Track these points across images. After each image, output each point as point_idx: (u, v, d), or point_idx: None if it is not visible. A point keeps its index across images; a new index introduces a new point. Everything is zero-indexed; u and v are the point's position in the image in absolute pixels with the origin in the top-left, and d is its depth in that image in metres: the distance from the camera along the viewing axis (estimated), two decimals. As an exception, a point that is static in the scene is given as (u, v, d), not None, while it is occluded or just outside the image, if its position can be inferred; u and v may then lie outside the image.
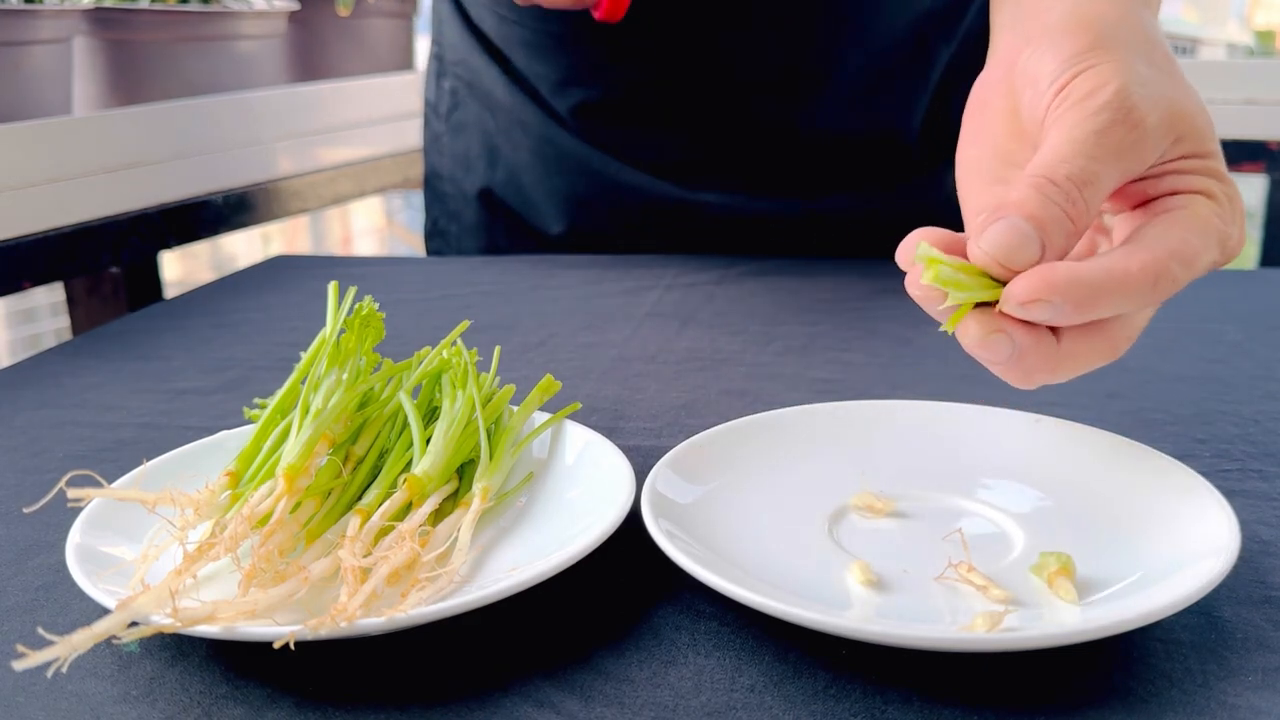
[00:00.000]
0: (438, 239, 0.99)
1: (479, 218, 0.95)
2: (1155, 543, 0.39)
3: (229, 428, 0.50)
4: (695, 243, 0.89)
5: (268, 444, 0.43)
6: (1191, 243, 0.37)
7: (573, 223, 0.91)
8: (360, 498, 0.43)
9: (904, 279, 0.41)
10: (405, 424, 0.46)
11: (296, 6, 1.32)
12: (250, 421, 0.54)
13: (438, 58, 0.96)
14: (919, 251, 0.38)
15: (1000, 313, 0.37)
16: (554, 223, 0.91)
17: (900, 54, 0.82)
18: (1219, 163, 0.40)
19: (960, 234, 0.40)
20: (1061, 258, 0.37)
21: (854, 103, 0.82)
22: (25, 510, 0.47)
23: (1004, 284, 0.37)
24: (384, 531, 0.39)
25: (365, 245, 2.68)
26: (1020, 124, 0.43)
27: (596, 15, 0.68)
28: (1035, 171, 0.38)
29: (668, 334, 0.71)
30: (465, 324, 0.53)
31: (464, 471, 0.45)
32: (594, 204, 0.89)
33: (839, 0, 0.78)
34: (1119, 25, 0.41)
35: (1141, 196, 0.40)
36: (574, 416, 0.51)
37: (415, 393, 0.49)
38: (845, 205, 0.87)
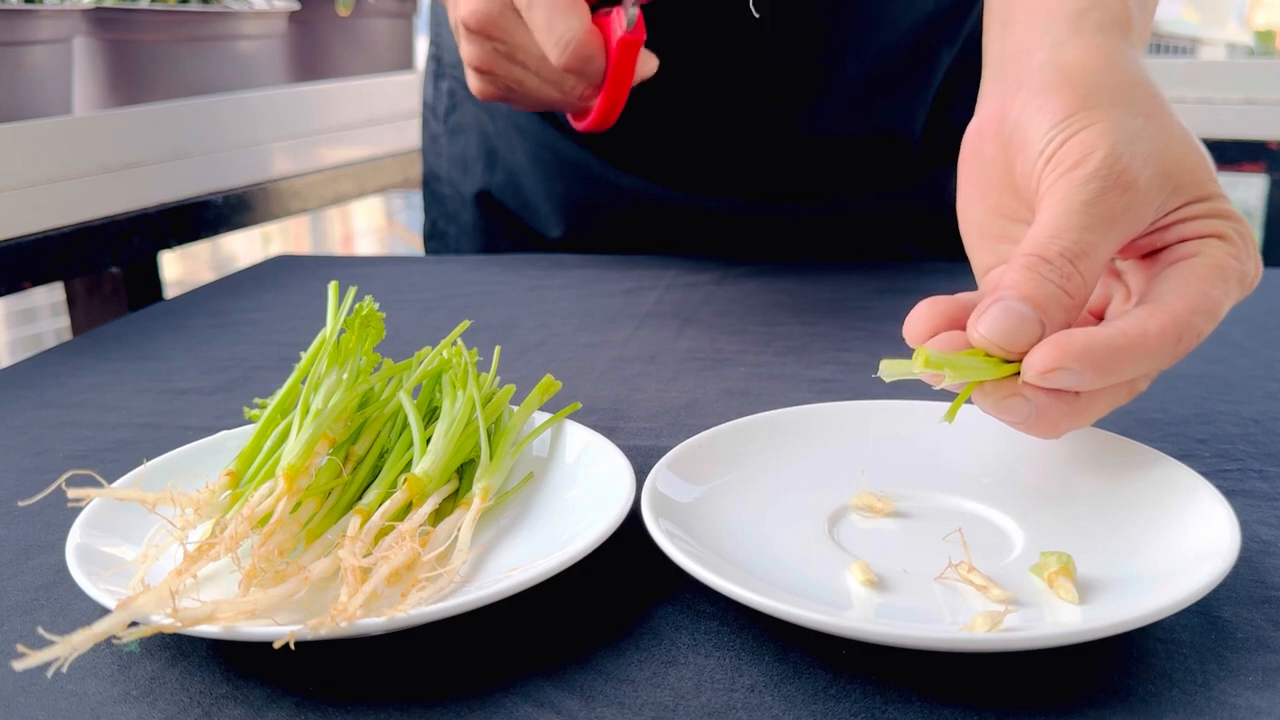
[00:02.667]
0: (436, 240, 0.99)
1: (477, 220, 0.95)
2: (1155, 543, 0.39)
3: (229, 428, 0.50)
4: (695, 247, 0.89)
5: (268, 444, 0.43)
6: (1211, 294, 0.38)
7: (571, 226, 0.90)
8: (360, 498, 0.43)
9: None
10: (405, 424, 0.46)
11: (296, 6, 1.32)
12: (250, 421, 0.54)
13: (436, 59, 0.96)
14: (916, 353, 0.38)
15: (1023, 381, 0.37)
16: (552, 226, 0.91)
17: (902, 57, 0.82)
18: (1224, 202, 0.40)
19: (964, 295, 0.41)
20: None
21: (855, 106, 0.82)
22: (21, 504, 0.48)
23: (1007, 362, 0.38)
24: (384, 531, 0.39)
25: (365, 245, 2.68)
26: (1015, 178, 0.43)
27: (580, 126, 0.63)
28: (1028, 250, 0.38)
29: (668, 334, 0.71)
30: (465, 324, 0.53)
31: (464, 471, 0.45)
32: (592, 208, 0.89)
33: (842, 5, 0.78)
34: (1103, 74, 0.41)
35: (1150, 249, 0.40)
36: (574, 416, 0.51)
37: (415, 393, 0.49)
38: (846, 208, 0.87)
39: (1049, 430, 0.39)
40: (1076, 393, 0.38)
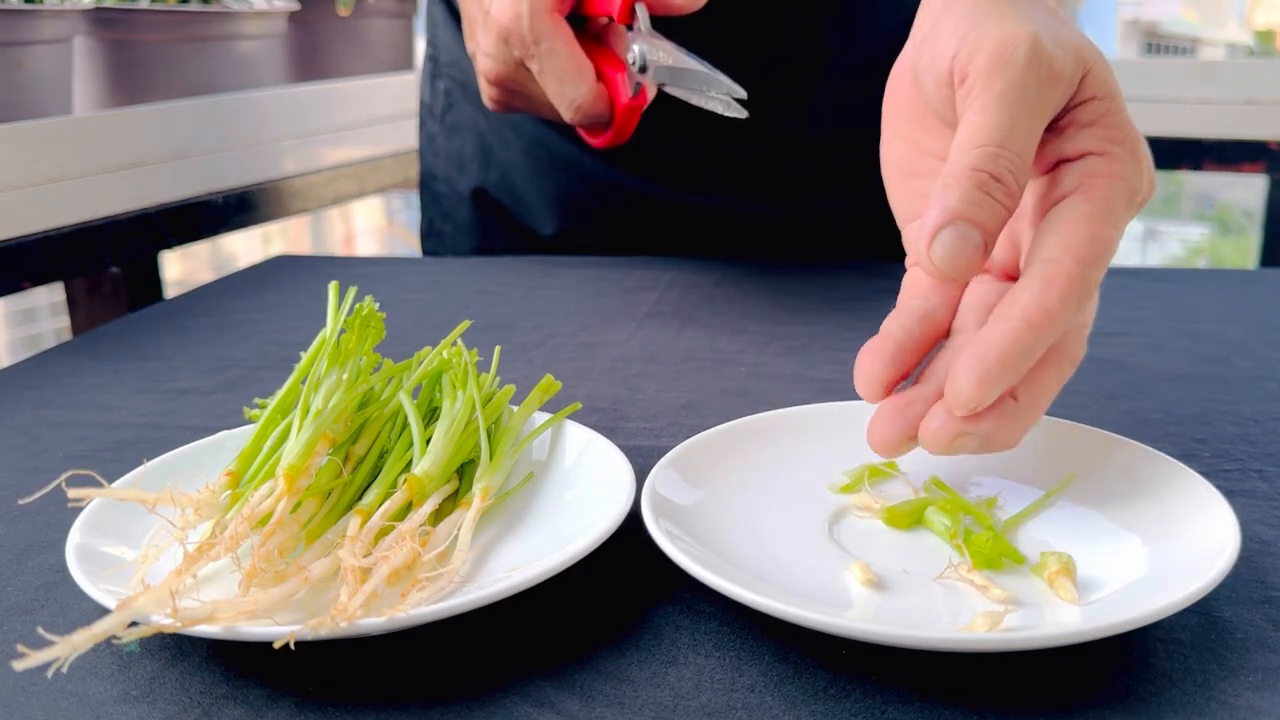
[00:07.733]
0: (433, 239, 0.99)
1: (473, 218, 0.95)
2: (1155, 543, 0.39)
3: (229, 428, 0.50)
4: (687, 244, 0.89)
5: (268, 444, 0.43)
6: (1100, 236, 0.37)
7: (564, 223, 0.91)
8: (360, 498, 0.43)
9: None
10: (405, 424, 0.46)
11: (296, 6, 1.32)
12: (250, 421, 0.54)
13: (432, 59, 0.97)
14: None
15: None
16: (546, 223, 0.91)
17: (894, 55, 0.82)
18: (1120, 106, 0.39)
19: (894, 330, 0.41)
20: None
21: (847, 104, 0.82)
22: (20, 502, 0.48)
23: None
24: (384, 531, 0.39)
25: (366, 245, 2.68)
26: (922, 107, 0.43)
27: (596, 143, 0.67)
28: (976, 163, 0.37)
29: (668, 334, 0.71)
30: (465, 324, 0.53)
31: (464, 471, 0.45)
32: (585, 205, 0.89)
33: (831, 5, 0.78)
34: None
35: (1047, 161, 0.40)
36: (574, 416, 0.51)
37: (415, 393, 0.49)
38: (839, 206, 0.87)
39: (1009, 443, 0.38)
40: (1014, 397, 0.37)
